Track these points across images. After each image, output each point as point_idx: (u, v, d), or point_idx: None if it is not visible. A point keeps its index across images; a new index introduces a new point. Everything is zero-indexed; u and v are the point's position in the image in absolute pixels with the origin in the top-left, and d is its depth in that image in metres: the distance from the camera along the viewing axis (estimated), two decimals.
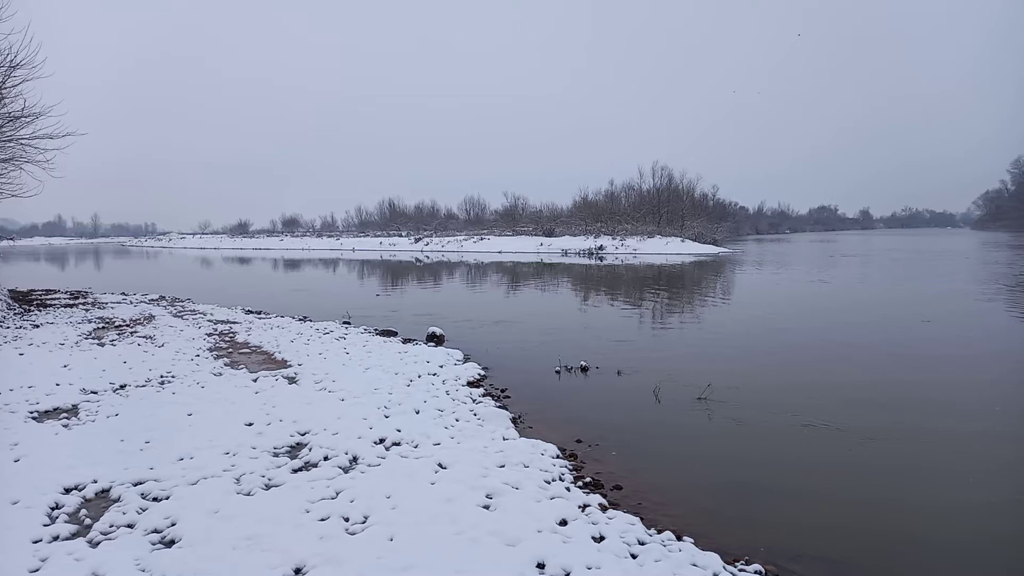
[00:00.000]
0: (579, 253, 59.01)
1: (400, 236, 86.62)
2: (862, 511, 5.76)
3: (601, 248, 60.71)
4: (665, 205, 73.87)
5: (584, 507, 5.52)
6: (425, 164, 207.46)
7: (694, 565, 4.59)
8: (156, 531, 5.01)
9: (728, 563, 4.74)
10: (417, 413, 8.05)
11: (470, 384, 9.91)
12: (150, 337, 13.93)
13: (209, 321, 16.72)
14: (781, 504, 5.97)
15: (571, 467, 6.64)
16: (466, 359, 11.77)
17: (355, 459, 6.54)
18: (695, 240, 63.08)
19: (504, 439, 7.20)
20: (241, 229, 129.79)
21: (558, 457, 6.82)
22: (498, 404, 8.88)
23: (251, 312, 19.04)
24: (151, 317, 17.59)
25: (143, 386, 9.54)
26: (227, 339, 13.88)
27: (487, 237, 75.78)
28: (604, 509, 5.57)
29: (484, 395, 9.29)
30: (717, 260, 46.37)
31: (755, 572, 4.67)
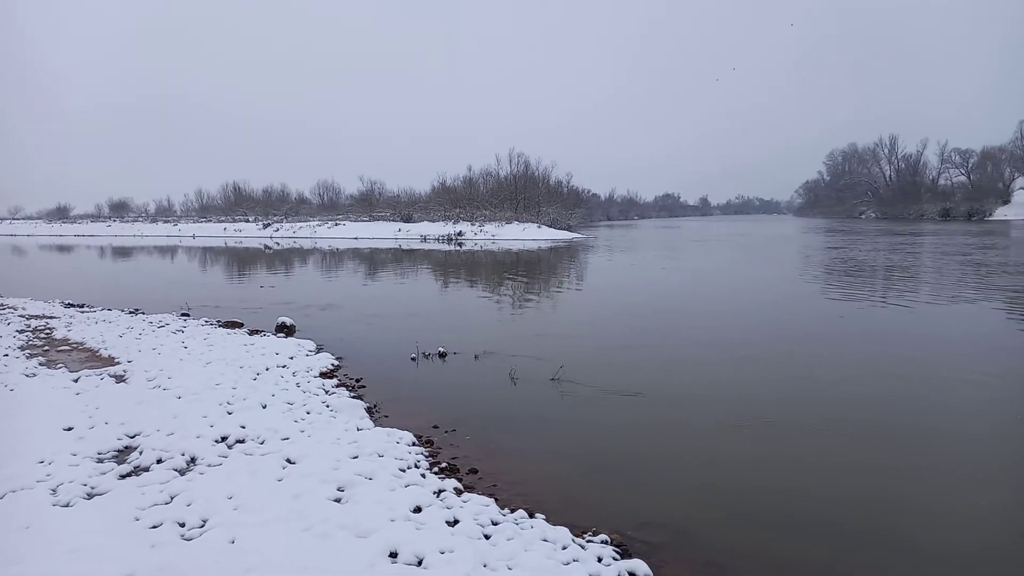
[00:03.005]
0: (438, 239, 58.82)
1: (247, 221, 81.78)
2: (703, 482, 6.17)
3: (460, 234, 60.87)
4: (522, 191, 75.27)
5: (439, 492, 5.51)
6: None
7: (544, 540, 4.72)
8: None
9: (577, 535, 4.92)
10: (264, 408, 7.65)
11: (323, 375, 9.57)
12: None
13: (20, 316, 14.90)
14: (630, 477, 6.27)
15: (427, 454, 6.60)
16: (319, 349, 11.35)
17: (193, 460, 6.09)
18: (551, 226, 64.90)
19: (358, 430, 7.02)
20: (60, 214, 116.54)
21: (414, 444, 6.76)
22: (353, 394, 8.65)
23: (72, 305, 17.20)
24: None
25: None
26: (43, 336, 12.43)
27: (342, 223, 73.51)
28: (459, 493, 5.59)
29: (338, 386, 9.00)
30: (572, 245, 48.04)
31: (602, 542, 4.88)
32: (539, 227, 62.72)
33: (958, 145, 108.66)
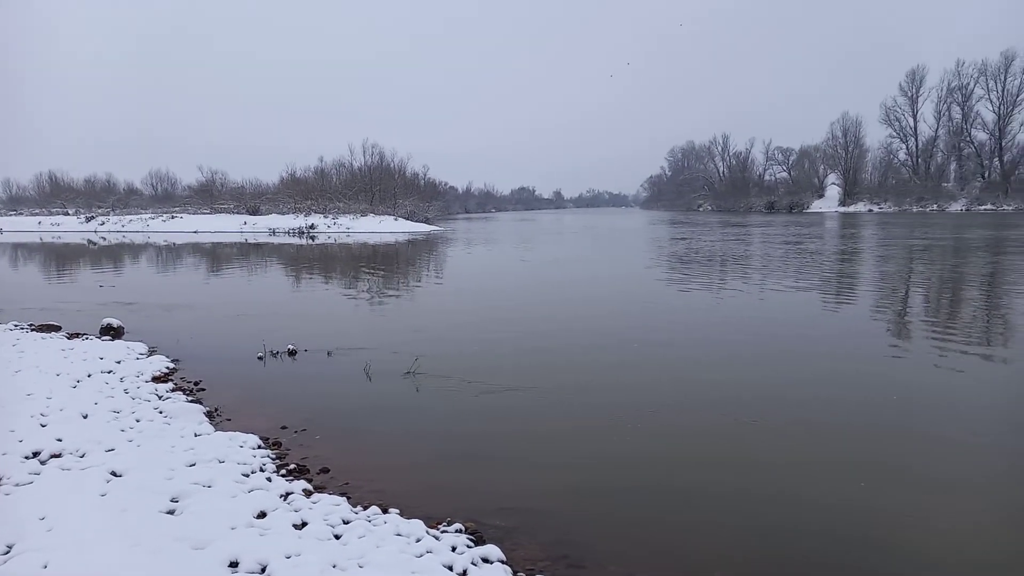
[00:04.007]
0: (289, 232, 56.28)
1: (66, 215, 73.66)
2: (555, 466, 6.31)
3: (313, 227, 58.60)
4: (377, 183, 73.87)
5: (287, 495, 5.26)
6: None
7: (398, 534, 4.65)
8: None
9: (432, 526, 4.90)
10: (85, 418, 6.92)
11: (156, 379, 8.82)
12: None
13: None
14: (486, 465, 6.33)
15: (274, 456, 6.29)
16: (151, 352, 10.45)
17: None
18: (408, 218, 64.26)
19: (196, 435, 6.54)
20: None
21: (260, 447, 6.41)
22: (190, 398, 8.06)
23: None
24: None
25: None
26: None
27: (180, 215, 68.23)
28: (309, 494, 5.37)
29: (173, 390, 8.34)
30: (430, 238, 47.78)
31: (456, 530, 4.89)
32: (396, 219, 61.88)
33: (780, 144, 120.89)
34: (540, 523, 5.11)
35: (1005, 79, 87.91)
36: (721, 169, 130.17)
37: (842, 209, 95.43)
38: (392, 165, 77.23)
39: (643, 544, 4.84)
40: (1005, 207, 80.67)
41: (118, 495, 5.04)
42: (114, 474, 5.48)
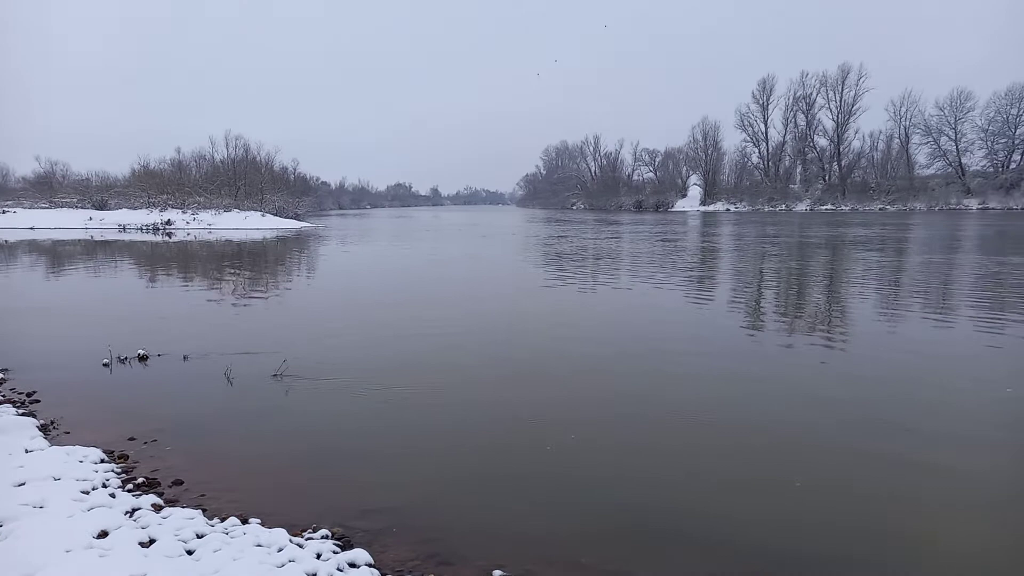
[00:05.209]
0: (142, 228, 52.21)
1: None
2: (424, 467, 6.24)
3: (169, 223, 54.77)
4: (242, 177, 70.14)
5: (133, 512, 4.88)
6: None
7: (259, 545, 4.45)
8: None
9: (295, 534, 4.73)
10: None
11: None
12: None
13: None
14: (353, 470, 6.14)
15: (120, 470, 5.82)
16: None
17: None
18: (277, 214, 61.62)
19: (27, 452, 5.93)
20: None
21: (103, 461, 5.91)
22: (21, 411, 7.28)
23: None
24: None
25: None
26: None
27: (12, 210, 61.28)
28: (159, 509, 5.01)
29: (0, 403, 7.49)
30: (301, 235, 45.99)
31: (322, 537, 4.75)
32: (263, 215, 59.15)
33: (647, 146, 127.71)
34: (410, 524, 5.05)
35: (842, 90, 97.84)
36: (593, 169, 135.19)
37: (703, 208, 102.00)
38: (258, 158, 73.69)
39: (511, 539, 4.90)
40: (843, 207, 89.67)
41: None
42: None
